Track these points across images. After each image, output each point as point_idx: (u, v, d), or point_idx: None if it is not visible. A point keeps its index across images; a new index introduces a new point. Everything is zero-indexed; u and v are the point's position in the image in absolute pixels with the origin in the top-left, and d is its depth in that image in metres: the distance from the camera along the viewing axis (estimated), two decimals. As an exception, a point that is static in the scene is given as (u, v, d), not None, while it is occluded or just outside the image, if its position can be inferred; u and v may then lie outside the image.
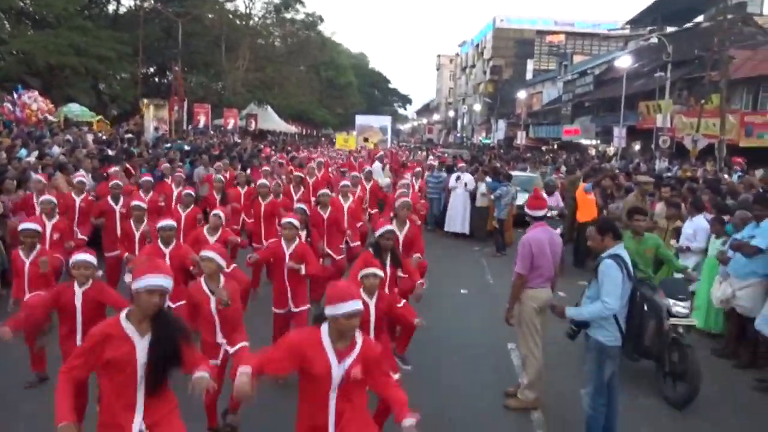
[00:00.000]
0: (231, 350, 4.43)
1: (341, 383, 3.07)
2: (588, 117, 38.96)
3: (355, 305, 3.02)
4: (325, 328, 3.10)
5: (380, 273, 4.42)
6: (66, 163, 10.34)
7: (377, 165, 16.36)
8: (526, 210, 5.61)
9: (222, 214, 6.80)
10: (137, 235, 6.93)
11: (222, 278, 4.58)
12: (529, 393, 5.49)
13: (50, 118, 20.99)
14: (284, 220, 5.98)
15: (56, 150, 12.87)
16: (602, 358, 4.48)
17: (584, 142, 37.53)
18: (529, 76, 58.71)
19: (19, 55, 30.17)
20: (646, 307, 4.41)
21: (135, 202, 7.23)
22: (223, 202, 8.93)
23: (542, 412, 5.43)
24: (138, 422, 2.94)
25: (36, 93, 21.85)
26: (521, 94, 49.70)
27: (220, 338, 4.42)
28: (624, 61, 30.72)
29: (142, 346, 2.90)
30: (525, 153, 36.63)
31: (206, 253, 4.60)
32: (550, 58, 61.01)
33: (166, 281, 2.96)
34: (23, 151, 12.27)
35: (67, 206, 8.25)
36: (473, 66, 78.13)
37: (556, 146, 42.40)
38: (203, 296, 4.42)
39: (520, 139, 45.12)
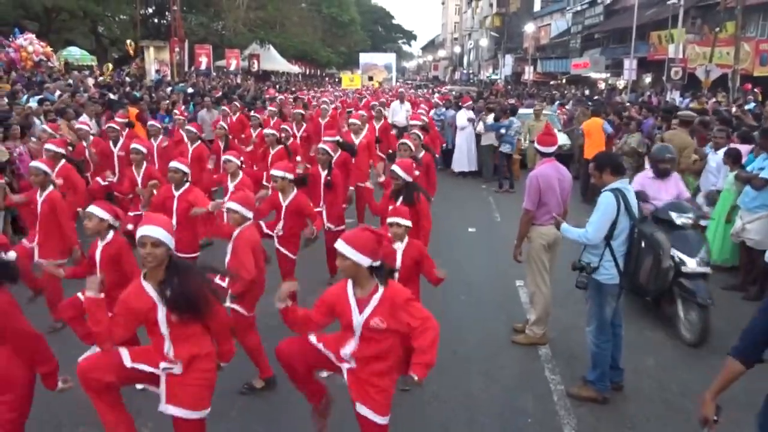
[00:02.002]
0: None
1: (362, 333, 3.15)
2: (597, 49, 37.98)
3: (341, 247, 3.06)
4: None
5: (405, 222, 4.38)
6: (67, 108, 10.22)
7: (396, 104, 15.79)
8: (536, 146, 5.53)
9: (233, 158, 6.49)
10: (139, 179, 6.82)
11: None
12: (537, 329, 5.57)
13: (48, 61, 20.63)
14: (272, 171, 5.63)
15: (57, 95, 12.71)
16: (601, 296, 4.50)
17: (593, 75, 36.69)
18: (537, 7, 56.84)
19: (15, -2, 29.39)
20: (643, 244, 4.38)
21: (133, 145, 7.00)
22: (226, 149, 8.72)
23: (549, 348, 5.53)
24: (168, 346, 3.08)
25: (32, 36, 21.41)
26: (529, 27, 48.28)
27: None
28: (635, -10, 29.61)
29: (152, 293, 3.00)
30: (532, 88, 35.94)
31: (230, 204, 4.42)
32: (558, -13, 58.87)
33: (155, 231, 2.94)
34: (24, 97, 12.14)
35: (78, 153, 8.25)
36: (479, -1, 75.67)
37: (564, 81, 41.53)
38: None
39: (528, 74, 44.17)
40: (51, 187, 5.49)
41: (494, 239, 9.09)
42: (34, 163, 5.53)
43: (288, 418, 4.40)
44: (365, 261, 3.08)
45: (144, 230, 2.95)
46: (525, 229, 5.38)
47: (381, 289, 3.14)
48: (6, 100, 10.63)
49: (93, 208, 4.15)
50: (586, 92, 28.65)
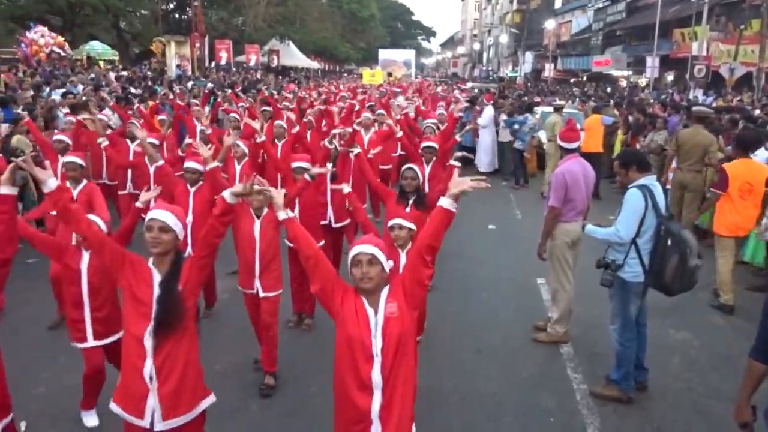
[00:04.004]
0: None
1: (383, 339, 2.66)
2: (619, 47, 37.51)
3: (363, 247, 2.65)
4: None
5: (407, 224, 3.99)
6: (89, 101, 10.30)
7: (400, 99, 15.96)
8: (560, 142, 5.45)
9: (241, 144, 6.54)
10: (152, 172, 6.77)
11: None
12: (559, 327, 5.50)
13: (61, 51, 20.85)
14: (294, 164, 5.50)
15: (80, 88, 12.84)
16: (626, 294, 4.43)
17: (615, 73, 36.29)
18: (557, 4, 56.29)
19: (39, -8, 29.79)
20: (669, 242, 4.28)
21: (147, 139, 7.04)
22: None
23: (572, 346, 5.46)
24: (149, 365, 2.79)
25: (44, 29, 21.66)
26: (549, 24, 47.83)
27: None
28: (659, -14, 29.18)
29: (157, 280, 2.84)
30: (553, 86, 35.61)
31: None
32: (580, -16, 58.26)
33: (164, 215, 2.83)
34: (47, 90, 12.29)
35: (92, 145, 8.31)
36: (500, -5, 75.18)
37: (585, 78, 41.09)
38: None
39: (548, 71, 43.73)
40: (85, 181, 5.53)
41: (515, 237, 9.01)
42: (70, 158, 5.53)
43: (307, 413, 4.39)
44: (387, 263, 2.71)
45: (153, 213, 2.83)
46: (551, 226, 5.31)
47: (387, 286, 2.76)
48: (30, 93, 10.76)
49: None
50: (608, 90, 28.27)
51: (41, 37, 20.48)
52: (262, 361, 4.69)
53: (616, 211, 4.55)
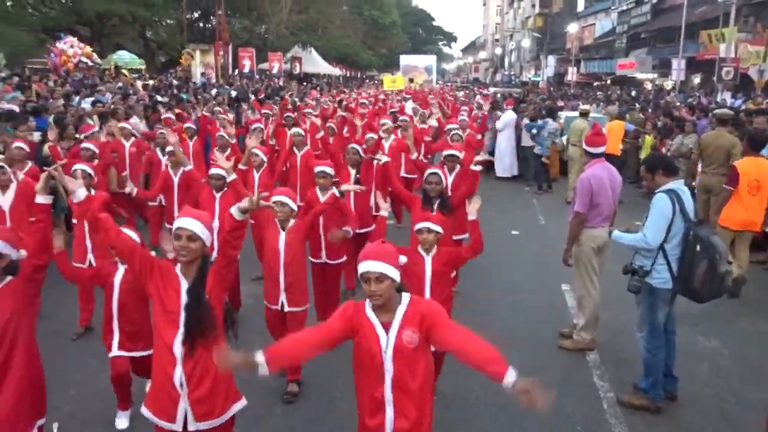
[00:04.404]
0: None
1: (393, 357, 2.67)
2: (644, 49, 37.06)
3: (370, 266, 2.59)
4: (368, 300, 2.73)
5: (435, 228, 3.94)
6: (118, 109, 10.51)
7: (409, 105, 16.13)
8: (585, 147, 5.40)
9: (260, 152, 6.55)
10: (176, 181, 6.88)
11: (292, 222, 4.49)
12: (585, 334, 5.44)
13: (89, 62, 21.27)
14: (317, 168, 5.61)
15: (108, 97, 13.10)
16: (653, 301, 4.37)
17: (640, 76, 35.82)
18: (580, 7, 55.83)
19: (68, 4, 30.48)
20: (698, 248, 4.22)
21: (170, 148, 7.01)
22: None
23: (598, 353, 5.39)
24: (179, 372, 2.83)
25: (74, 39, 22.13)
26: (572, 28, 47.41)
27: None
28: (685, -13, 28.78)
29: (185, 288, 2.85)
30: (576, 89, 35.30)
31: (278, 196, 4.41)
32: (603, -14, 57.71)
33: (192, 224, 2.79)
34: (77, 99, 12.56)
35: (117, 152, 8.49)
36: (521, -1, 74.88)
37: (609, 81, 40.66)
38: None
39: (571, 75, 43.34)
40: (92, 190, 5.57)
41: (539, 242, 8.94)
42: (80, 166, 5.56)
43: (331, 419, 4.40)
44: (396, 274, 2.65)
45: (181, 222, 2.80)
46: (576, 231, 5.25)
47: (404, 300, 2.72)
48: (61, 102, 10.99)
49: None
50: (632, 93, 27.93)
51: (70, 47, 20.95)
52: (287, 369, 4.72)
53: (642, 217, 4.50)
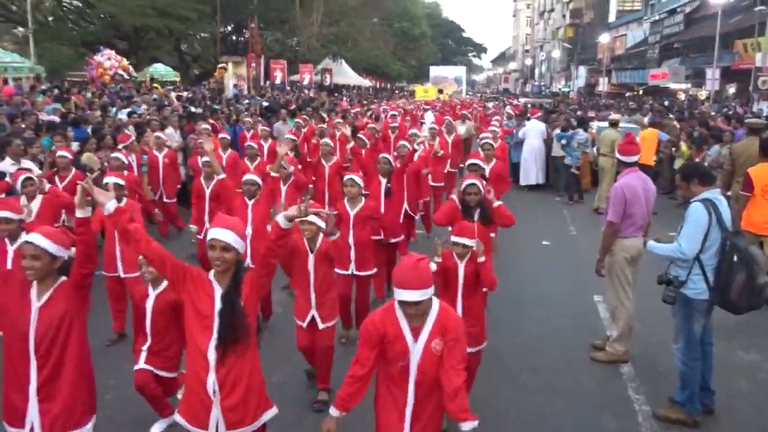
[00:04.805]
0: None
1: (420, 361, 2.87)
2: (677, 59, 36.47)
3: (408, 295, 2.71)
4: (397, 302, 2.87)
5: (470, 244, 4.05)
6: (152, 120, 10.75)
7: (429, 115, 16.22)
8: (618, 155, 5.34)
9: (285, 163, 6.57)
10: (207, 192, 6.87)
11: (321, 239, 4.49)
12: (619, 346, 5.34)
13: (124, 74, 21.80)
14: (346, 176, 5.63)
15: (143, 108, 13.42)
16: (689, 312, 4.28)
17: (673, 86, 35.24)
18: (611, 18, 55.33)
19: (107, 19, 31.37)
20: (736, 258, 4.12)
21: (203, 158, 7.05)
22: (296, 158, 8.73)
23: (632, 366, 5.29)
24: (212, 378, 2.85)
25: (111, 52, 22.72)
26: (603, 38, 46.97)
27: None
28: (719, -3, 28.30)
29: (219, 294, 2.88)
30: (607, 99, 34.89)
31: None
32: (635, -3, 57.10)
33: (226, 234, 2.82)
34: (114, 110, 12.89)
35: (151, 163, 8.71)
36: (551, 10, 74.44)
37: (641, 92, 40.09)
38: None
39: (602, 85, 42.92)
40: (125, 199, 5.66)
41: (570, 253, 8.84)
42: (111, 179, 5.65)
43: (363, 427, 4.39)
44: (433, 292, 2.83)
45: (215, 233, 2.84)
46: (609, 241, 5.19)
47: (434, 307, 2.89)
48: (99, 112, 11.29)
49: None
50: (665, 103, 27.47)
51: (107, 59, 21.52)
52: (316, 378, 4.75)
53: (676, 228, 4.42)
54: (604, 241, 5.22)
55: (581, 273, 7.66)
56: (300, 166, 8.23)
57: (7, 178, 6.60)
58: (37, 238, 2.88)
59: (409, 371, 2.87)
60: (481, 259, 4.08)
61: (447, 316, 2.88)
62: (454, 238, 4.10)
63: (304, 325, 4.59)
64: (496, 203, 5.09)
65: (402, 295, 2.73)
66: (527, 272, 7.93)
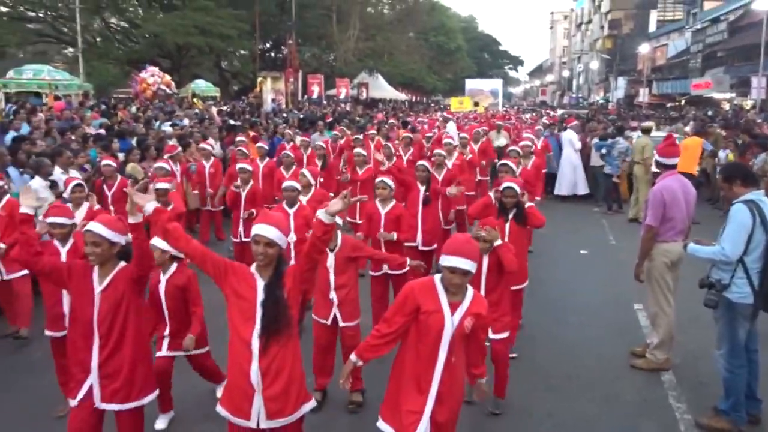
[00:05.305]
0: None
1: (452, 338, 2.99)
2: (721, 68, 35.58)
3: (460, 262, 2.89)
4: (438, 277, 3.04)
5: (490, 237, 4.24)
6: (194, 132, 11.06)
7: (451, 125, 16.32)
8: (657, 157, 5.25)
9: (307, 173, 6.56)
10: (243, 195, 7.27)
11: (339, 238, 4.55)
12: (659, 353, 5.22)
13: (167, 90, 22.44)
14: (378, 179, 5.81)
15: (186, 122, 13.80)
16: (733, 316, 4.16)
17: (716, 96, 34.38)
18: (652, 28, 54.45)
19: (151, 38, 32.45)
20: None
21: (239, 165, 7.48)
22: (323, 168, 8.90)
23: (673, 374, 5.16)
24: (255, 367, 2.91)
25: (155, 69, 23.43)
26: (643, 48, 46.17)
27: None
28: (763, 4, 27.53)
29: (261, 287, 2.95)
30: (648, 110, 34.24)
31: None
32: (676, 6, 55.91)
33: (269, 231, 2.90)
34: (157, 123, 13.32)
35: (198, 172, 8.97)
36: (589, 21, 73.70)
37: (683, 102, 39.22)
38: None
39: (642, 96, 42.15)
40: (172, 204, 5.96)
41: (609, 262, 8.68)
42: (160, 185, 6.04)
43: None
44: (475, 268, 2.96)
45: (259, 229, 2.93)
46: (648, 246, 5.09)
47: (470, 290, 3.07)
48: (142, 126, 11.66)
49: (155, 240, 4.16)
50: (708, 113, 26.81)
51: (151, 76, 22.24)
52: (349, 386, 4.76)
53: (718, 235, 4.31)
54: (642, 245, 5.13)
55: (620, 281, 7.52)
56: (321, 179, 8.41)
57: (60, 186, 6.92)
58: (96, 227, 3.18)
59: (440, 348, 2.98)
60: (498, 242, 4.26)
61: (479, 301, 3.08)
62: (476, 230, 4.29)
63: (328, 323, 4.61)
64: (528, 204, 5.24)
65: (452, 261, 2.90)
66: (564, 280, 7.83)
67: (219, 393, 4.49)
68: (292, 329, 3.00)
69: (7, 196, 5.90)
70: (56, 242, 4.44)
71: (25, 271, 5.62)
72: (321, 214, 2.95)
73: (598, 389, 4.99)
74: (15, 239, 4.62)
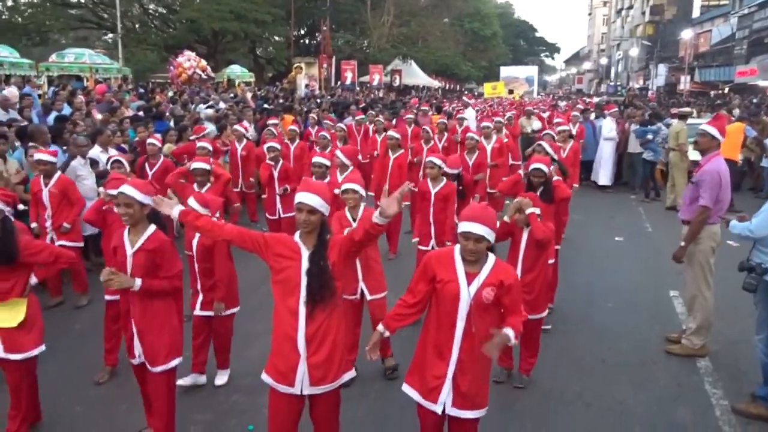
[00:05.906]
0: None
1: (470, 308, 2.93)
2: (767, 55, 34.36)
3: (472, 227, 2.85)
4: (458, 247, 3.00)
5: (533, 209, 4.25)
6: (229, 113, 11.19)
7: (470, 111, 16.63)
8: (708, 130, 5.00)
9: (341, 154, 6.56)
10: (276, 173, 7.47)
11: (362, 208, 4.56)
12: (696, 339, 5.11)
13: (203, 74, 22.67)
14: (427, 158, 6.10)
15: (222, 105, 13.97)
16: None
17: (762, 83, 33.23)
18: (695, 13, 52.78)
19: (188, 23, 32.85)
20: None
21: (268, 144, 7.63)
22: None
23: (710, 360, 5.06)
24: (302, 335, 2.95)
25: (191, 54, 23.69)
26: (686, 34, 44.83)
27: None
28: (816, -13, 26.48)
29: (306, 256, 2.98)
30: (689, 98, 33.32)
31: (349, 184, 4.50)
32: (721, -10, 54.24)
33: (311, 198, 2.92)
34: (193, 106, 13.53)
35: (231, 154, 9.10)
36: (630, 7, 71.79)
37: (727, 90, 38.01)
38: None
39: (684, 83, 40.99)
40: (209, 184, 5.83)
41: (645, 249, 8.52)
42: (197, 164, 5.68)
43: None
44: (493, 236, 2.92)
45: (302, 197, 2.95)
46: (699, 228, 4.93)
47: (491, 260, 2.97)
48: (179, 107, 11.83)
49: (190, 201, 4.25)
50: (754, 101, 25.93)
51: (187, 60, 22.52)
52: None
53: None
54: (693, 227, 4.94)
55: (657, 268, 7.41)
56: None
57: (101, 164, 7.11)
58: (127, 189, 3.45)
59: (457, 317, 2.94)
60: (530, 210, 4.23)
61: (501, 268, 2.99)
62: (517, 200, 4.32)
63: (357, 297, 4.64)
64: (555, 177, 5.37)
65: (465, 226, 2.87)
66: (599, 266, 7.72)
67: (218, 382, 4.70)
68: (336, 299, 3.02)
69: (58, 173, 6.05)
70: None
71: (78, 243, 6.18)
72: (376, 217, 2.83)
73: (631, 373, 4.92)
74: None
